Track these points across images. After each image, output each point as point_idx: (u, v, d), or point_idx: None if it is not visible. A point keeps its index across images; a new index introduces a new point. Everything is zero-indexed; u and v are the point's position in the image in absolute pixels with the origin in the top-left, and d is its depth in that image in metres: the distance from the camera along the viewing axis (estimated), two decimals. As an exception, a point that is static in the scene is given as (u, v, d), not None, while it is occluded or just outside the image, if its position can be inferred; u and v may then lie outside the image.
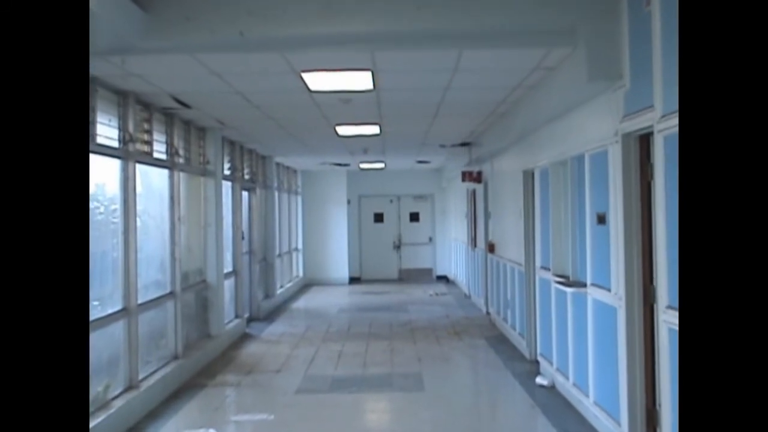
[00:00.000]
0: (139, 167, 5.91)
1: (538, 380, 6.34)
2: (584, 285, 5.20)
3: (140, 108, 6.02)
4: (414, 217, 15.97)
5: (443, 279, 15.53)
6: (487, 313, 10.20)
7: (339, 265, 15.23)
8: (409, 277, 15.78)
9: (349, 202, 15.50)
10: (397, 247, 15.89)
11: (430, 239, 15.91)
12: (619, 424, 4.51)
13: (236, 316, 9.37)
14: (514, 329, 8.07)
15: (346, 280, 15.26)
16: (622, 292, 4.41)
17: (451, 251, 15.18)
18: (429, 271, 15.88)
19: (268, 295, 11.57)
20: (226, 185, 9.06)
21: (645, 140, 4.22)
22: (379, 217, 15.91)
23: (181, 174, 7.12)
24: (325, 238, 15.20)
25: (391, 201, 15.94)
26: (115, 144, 5.50)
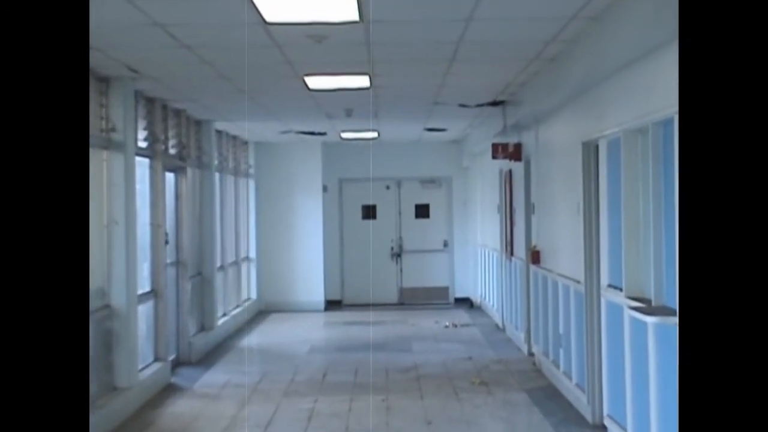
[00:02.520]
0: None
1: (605, 454, 6.37)
2: (673, 313, 5.20)
3: (10, 48, 5.98)
4: (422, 211, 16.01)
5: (465, 303, 15.58)
6: (530, 353, 10.22)
7: (310, 283, 15.26)
8: (414, 299, 15.84)
9: (325, 188, 15.50)
10: (397, 255, 15.93)
11: (446, 244, 15.95)
12: None
13: (156, 359, 9.36)
14: (570, 378, 8.07)
15: (322, 304, 15.30)
16: (730, 324, 4.40)
17: (477, 262, 15.24)
18: (444, 291, 15.94)
19: (204, 328, 11.56)
20: (142, 163, 9.04)
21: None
22: (369, 212, 15.97)
23: (73, 147, 7.08)
24: (289, 242, 15.23)
25: (388, 187, 15.96)
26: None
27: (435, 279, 15.94)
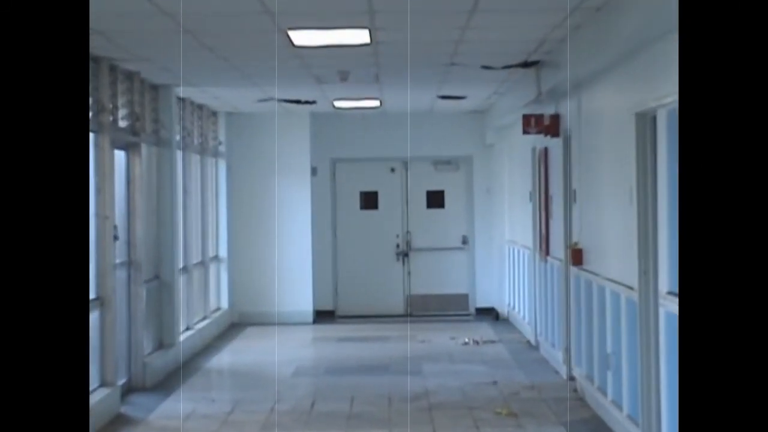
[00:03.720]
0: None
1: (663, 504, 6.35)
2: (750, 327, 5.17)
3: None
4: (435, 199, 16.03)
5: (488, 314, 15.61)
6: (570, 377, 10.22)
7: (295, 289, 15.25)
8: (425, 310, 15.86)
9: (314, 171, 15.50)
10: (404, 255, 15.93)
11: (465, 241, 15.96)
12: None
13: (102, 383, 9.38)
14: (620, 408, 8.08)
15: (310, 315, 15.31)
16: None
17: (504, 263, 15.24)
18: (462, 299, 15.96)
19: (162, 344, 11.57)
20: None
21: None
22: (369, 200, 15.99)
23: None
24: (269, 238, 15.21)
25: (393, 170, 15.96)
26: None
27: (451, 284, 15.94)
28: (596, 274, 8.87)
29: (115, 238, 9.79)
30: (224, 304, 14.97)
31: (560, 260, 10.55)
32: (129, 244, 10.54)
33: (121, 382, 9.89)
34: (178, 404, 9.74)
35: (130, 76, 10.37)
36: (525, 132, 11.04)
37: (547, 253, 11.39)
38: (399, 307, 15.87)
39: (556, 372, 10.81)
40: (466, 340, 13.30)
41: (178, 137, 12.19)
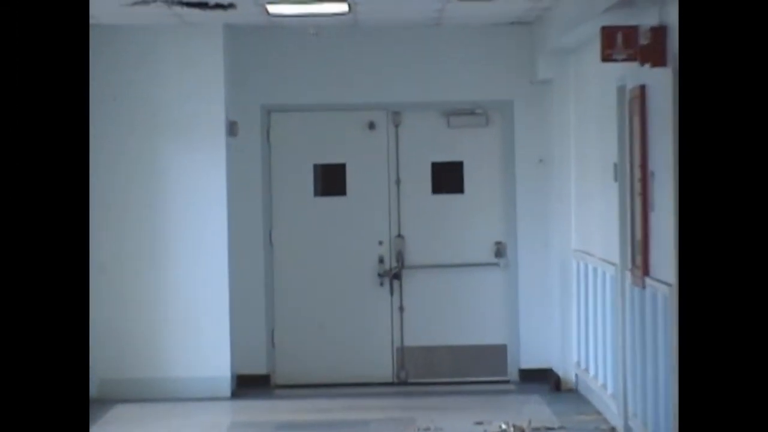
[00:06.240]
0: None
1: None
2: None
3: None
4: (447, 177, 16.24)
5: (542, 379, 15.82)
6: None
7: (201, 340, 15.34)
8: (429, 373, 16.07)
9: (233, 129, 15.50)
10: (393, 278, 16.02)
11: (500, 252, 16.05)
12: None
13: None
14: None
15: (227, 384, 15.42)
16: None
17: (570, 291, 15.39)
18: (496, 353, 16.15)
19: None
20: None
21: None
22: (332, 180, 16.21)
23: None
24: (152, 249, 15.26)
25: (372, 126, 16.07)
26: None
27: (476, 329, 16.07)
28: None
29: None
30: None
31: (668, 285, 10.38)
32: None
33: None
34: None
35: None
36: (606, 58, 10.99)
37: (646, 272, 11.30)
38: (384, 368, 16.00)
39: (662, 484, 10.71)
40: (503, 426, 13.35)
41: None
